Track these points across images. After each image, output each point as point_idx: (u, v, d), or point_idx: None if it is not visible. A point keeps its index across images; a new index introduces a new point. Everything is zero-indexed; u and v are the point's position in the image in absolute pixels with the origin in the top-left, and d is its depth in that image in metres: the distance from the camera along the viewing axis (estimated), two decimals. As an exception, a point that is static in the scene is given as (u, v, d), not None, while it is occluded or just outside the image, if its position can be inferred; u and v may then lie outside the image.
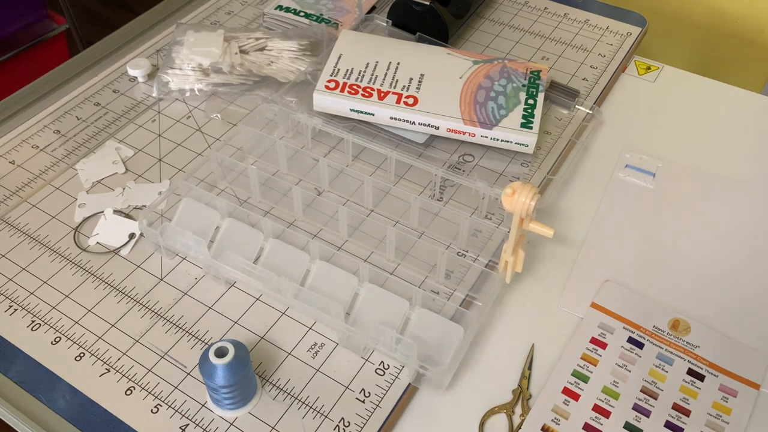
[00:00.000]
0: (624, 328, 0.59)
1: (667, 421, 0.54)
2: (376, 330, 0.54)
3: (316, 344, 0.58)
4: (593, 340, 0.58)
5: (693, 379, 0.56)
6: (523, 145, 0.70)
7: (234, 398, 0.52)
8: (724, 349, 0.58)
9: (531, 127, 0.70)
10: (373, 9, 0.89)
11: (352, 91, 0.72)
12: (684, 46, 1.12)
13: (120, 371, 0.56)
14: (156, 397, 0.54)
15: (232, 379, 0.49)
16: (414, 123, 0.71)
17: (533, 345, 0.58)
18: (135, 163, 0.72)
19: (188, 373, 0.56)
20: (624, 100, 0.80)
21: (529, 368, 0.57)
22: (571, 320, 0.60)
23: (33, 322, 0.59)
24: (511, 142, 0.70)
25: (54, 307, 0.60)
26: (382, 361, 0.57)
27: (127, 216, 0.67)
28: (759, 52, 1.06)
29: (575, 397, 0.55)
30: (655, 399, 0.55)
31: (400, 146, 0.72)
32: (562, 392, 0.55)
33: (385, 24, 0.85)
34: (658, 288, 0.62)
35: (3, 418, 0.54)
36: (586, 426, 0.53)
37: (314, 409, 0.54)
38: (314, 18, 0.85)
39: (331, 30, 0.84)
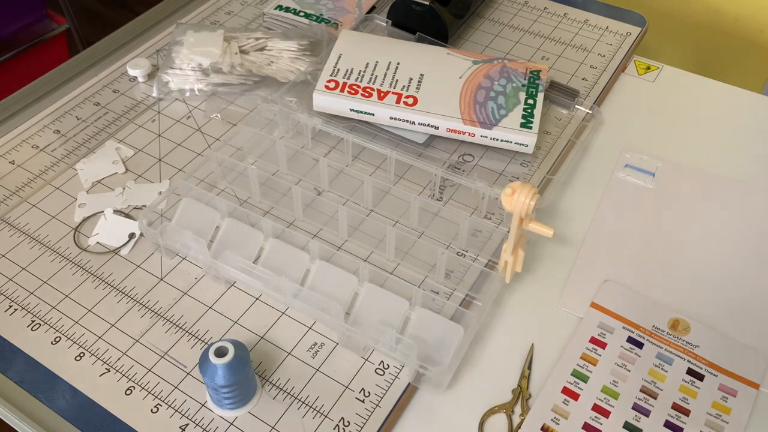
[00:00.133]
0: (623, 327, 0.59)
1: (667, 421, 0.54)
2: (376, 330, 0.54)
3: (316, 344, 0.58)
4: (593, 340, 0.58)
5: (692, 378, 0.56)
6: (522, 145, 0.70)
7: (234, 398, 0.52)
8: (723, 349, 0.58)
9: (531, 127, 0.70)
10: (373, 9, 0.89)
11: (352, 91, 0.72)
12: (684, 46, 1.12)
13: (120, 371, 0.56)
14: (156, 397, 0.54)
15: (232, 379, 0.50)
16: (414, 123, 0.71)
17: (533, 345, 0.58)
18: (135, 163, 0.72)
19: (188, 373, 0.56)
20: (624, 100, 0.80)
21: (529, 368, 0.57)
22: (570, 320, 0.60)
23: (33, 322, 0.59)
24: (511, 142, 0.70)
25: (54, 307, 0.60)
26: (382, 361, 0.57)
27: (127, 216, 0.67)
28: (759, 52, 1.06)
29: (575, 396, 0.55)
30: (655, 399, 0.55)
31: (399, 146, 0.72)
32: (562, 392, 0.55)
33: (385, 24, 0.85)
34: (657, 288, 0.62)
35: (3, 418, 0.54)
36: (586, 426, 0.53)
37: (314, 409, 0.54)
38: (314, 18, 0.86)
39: (331, 30, 0.84)
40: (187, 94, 0.78)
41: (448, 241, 0.65)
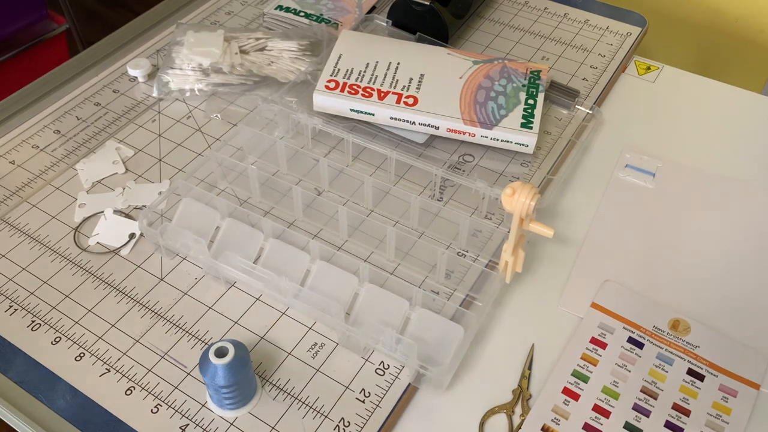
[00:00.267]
0: (624, 328, 0.59)
1: (667, 421, 0.54)
2: (376, 330, 0.54)
3: (316, 344, 0.58)
4: (593, 340, 0.58)
5: (693, 379, 0.56)
6: (523, 145, 0.70)
7: (234, 398, 0.52)
8: (724, 349, 0.58)
9: (531, 127, 0.70)
10: (373, 9, 0.89)
11: (352, 91, 0.72)
12: (684, 46, 1.12)
13: (120, 371, 0.56)
14: (156, 397, 0.54)
15: (232, 379, 0.49)
16: (414, 123, 0.71)
17: (533, 345, 0.58)
18: (135, 163, 0.72)
19: (188, 373, 0.56)
20: (624, 100, 0.80)
21: (529, 368, 0.57)
22: (571, 320, 0.60)
23: (33, 322, 0.59)
24: (511, 142, 0.70)
25: (54, 307, 0.60)
26: (382, 361, 0.57)
27: (127, 216, 0.67)
28: (759, 52, 1.06)
29: (575, 397, 0.55)
30: (655, 399, 0.55)
31: (400, 146, 0.72)
32: (562, 392, 0.55)
33: (385, 24, 0.85)
34: (658, 288, 0.62)
35: (3, 418, 0.54)
36: (586, 426, 0.53)
37: (314, 409, 0.54)
38: (314, 18, 0.85)
39: (331, 30, 0.84)
40: (187, 94, 0.78)
41: (449, 242, 0.65)
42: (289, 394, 0.55)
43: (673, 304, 0.61)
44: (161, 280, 0.62)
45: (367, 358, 0.57)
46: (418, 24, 0.83)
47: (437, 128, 0.71)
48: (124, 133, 0.75)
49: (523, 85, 0.73)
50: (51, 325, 0.59)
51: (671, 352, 0.58)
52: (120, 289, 0.61)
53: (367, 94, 0.71)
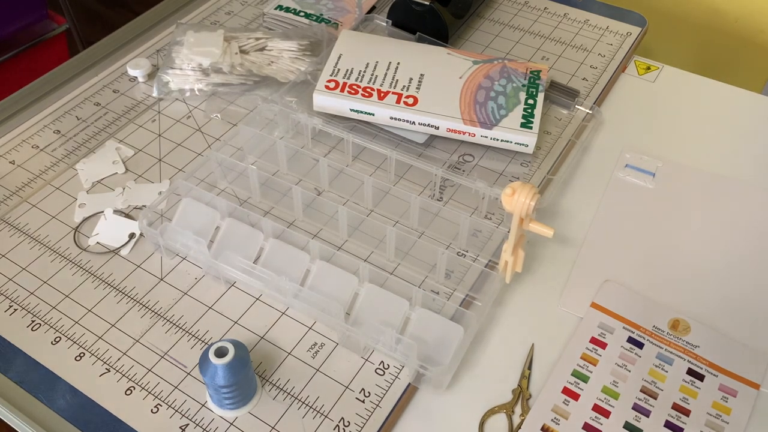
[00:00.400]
0: (624, 328, 0.59)
1: (667, 421, 0.54)
2: (376, 330, 0.54)
3: (316, 344, 0.58)
4: (593, 340, 0.58)
5: (693, 378, 0.56)
6: (523, 145, 0.70)
7: (234, 398, 0.52)
8: (723, 349, 0.58)
9: (531, 127, 0.70)
10: (373, 9, 0.89)
11: (352, 91, 0.72)
12: (684, 46, 1.12)
13: (120, 371, 0.56)
14: (156, 397, 0.54)
15: (232, 379, 0.49)
16: (414, 123, 0.71)
17: (533, 345, 0.58)
18: (135, 163, 0.72)
19: (188, 373, 0.56)
20: (624, 100, 0.80)
21: (529, 368, 0.57)
22: (571, 320, 0.60)
23: (33, 322, 0.59)
24: (511, 142, 0.70)
25: (54, 307, 0.60)
26: (382, 361, 0.57)
27: (127, 216, 0.67)
28: (759, 52, 1.06)
29: (575, 396, 0.55)
30: (655, 399, 0.55)
31: (400, 146, 0.72)
32: (562, 392, 0.55)
33: (385, 24, 0.85)
34: (658, 288, 0.62)
35: (3, 418, 0.54)
36: (586, 426, 0.53)
37: (314, 409, 0.54)
38: (314, 18, 0.85)
39: (331, 30, 0.84)
40: (187, 94, 0.78)
41: (449, 241, 0.65)
42: (289, 394, 0.55)
43: (673, 304, 0.61)
44: (161, 280, 0.62)
45: (367, 358, 0.57)
46: (418, 24, 0.83)
47: (437, 128, 0.71)
48: (124, 133, 0.75)
49: (523, 85, 0.73)
50: (51, 325, 0.59)
51: (671, 352, 0.58)
52: (120, 289, 0.61)
53: (367, 94, 0.72)
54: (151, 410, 0.53)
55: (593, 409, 0.54)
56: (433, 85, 0.73)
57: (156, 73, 0.81)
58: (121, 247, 0.64)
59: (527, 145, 0.70)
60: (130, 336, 0.58)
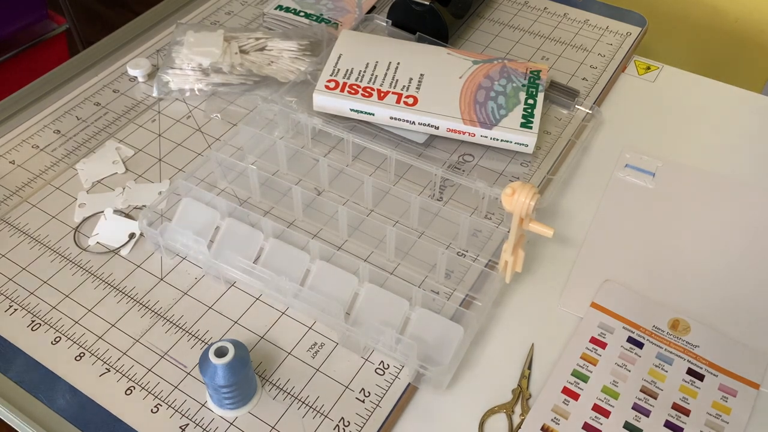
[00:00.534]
0: (624, 327, 0.59)
1: (667, 421, 0.54)
2: (376, 330, 0.54)
3: (316, 344, 0.58)
4: (593, 340, 0.58)
5: (693, 378, 0.56)
6: (522, 144, 0.70)
7: (234, 398, 0.52)
8: (723, 349, 0.58)
9: (531, 127, 0.70)
10: (373, 9, 0.89)
11: (352, 91, 0.72)
12: (684, 46, 1.12)
13: (120, 371, 0.56)
14: (156, 397, 0.54)
15: (232, 379, 0.49)
16: (414, 123, 0.71)
17: (533, 345, 0.58)
18: (135, 163, 0.72)
19: (188, 373, 0.56)
20: (624, 100, 0.80)
21: (529, 368, 0.57)
22: (571, 320, 0.60)
23: (33, 322, 0.59)
24: (511, 142, 0.70)
25: (54, 307, 0.60)
26: (382, 361, 0.57)
27: (127, 216, 0.67)
28: (759, 52, 1.06)
29: (575, 396, 0.55)
30: (655, 399, 0.55)
31: (400, 146, 0.72)
32: (562, 392, 0.55)
33: (385, 24, 0.85)
34: (657, 288, 0.62)
35: (3, 418, 0.54)
36: (586, 426, 0.53)
37: (314, 409, 0.54)
38: (314, 18, 0.86)
39: (331, 30, 0.84)
40: (187, 94, 0.78)
41: (448, 241, 0.65)
42: (289, 393, 0.55)
43: (673, 304, 0.61)
44: (161, 280, 0.62)
45: (366, 358, 0.57)
46: (418, 24, 0.83)
47: (437, 128, 0.71)
48: (124, 133, 0.75)
49: (523, 85, 0.74)
50: (51, 325, 0.59)
51: (671, 352, 0.58)
52: (120, 289, 0.61)
53: (367, 94, 0.72)
54: (151, 410, 0.53)
55: (593, 409, 0.54)
56: (433, 85, 0.73)
57: (156, 73, 0.81)
58: (121, 247, 0.64)
59: (527, 145, 0.70)
60: (130, 336, 0.58)
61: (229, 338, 0.55)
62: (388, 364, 0.56)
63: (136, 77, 0.81)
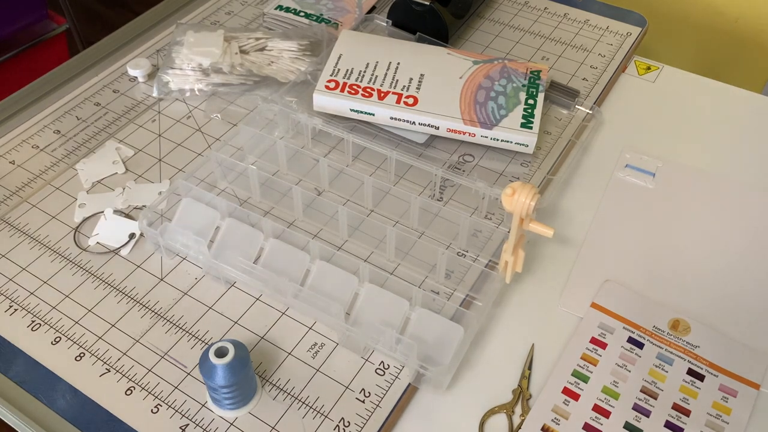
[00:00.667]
0: (624, 328, 0.59)
1: (667, 421, 0.54)
2: (376, 330, 0.54)
3: (316, 344, 0.58)
4: (593, 340, 0.58)
5: (693, 379, 0.56)
6: (523, 145, 0.70)
7: (234, 398, 0.52)
8: (724, 349, 0.58)
9: (531, 127, 0.70)
10: (373, 9, 0.89)
11: (352, 91, 0.72)
12: (684, 46, 1.12)
13: (120, 371, 0.56)
14: (156, 397, 0.54)
15: (232, 379, 0.49)
16: (414, 123, 0.71)
17: (533, 345, 0.58)
18: (135, 163, 0.72)
19: (188, 373, 0.56)
20: (624, 100, 0.80)
21: (529, 368, 0.57)
22: (571, 320, 0.60)
23: (33, 322, 0.59)
24: (511, 142, 0.70)
25: (54, 307, 0.60)
26: (382, 361, 0.57)
27: (127, 216, 0.67)
28: (759, 52, 1.06)
29: (575, 397, 0.55)
30: (655, 399, 0.55)
31: (400, 146, 0.72)
32: (562, 392, 0.55)
33: (385, 24, 0.85)
34: (658, 288, 0.62)
35: (3, 418, 0.54)
36: (586, 426, 0.53)
37: (314, 409, 0.54)
38: (314, 18, 0.85)
39: (331, 30, 0.84)
40: (187, 94, 0.78)
41: (449, 241, 0.65)
42: (289, 394, 0.55)
43: (673, 304, 0.61)
44: (161, 280, 0.62)
45: (367, 358, 0.57)
46: (418, 24, 0.83)
47: (437, 128, 0.71)
48: (124, 133, 0.75)
49: (523, 85, 0.73)
50: (51, 325, 0.59)
51: (671, 352, 0.58)
52: (120, 289, 0.61)
53: (367, 94, 0.72)
54: (151, 410, 0.53)
55: (593, 409, 0.54)
56: (433, 85, 0.73)
57: (156, 73, 0.81)
58: (121, 247, 0.64)
59: (527, 145, 0.70)
60: (130, 336, 0.58)
61: (229, 338, 0.55)
62: (388, 365, 0.56)
63: (136, 77, 0.81)
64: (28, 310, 0.60)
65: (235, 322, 0.59)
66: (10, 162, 0.72)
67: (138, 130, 0.75)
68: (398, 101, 0.71)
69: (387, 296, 0.58)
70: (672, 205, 0.69)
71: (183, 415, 0.53)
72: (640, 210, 0.69)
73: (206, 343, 0.57)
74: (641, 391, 0.55)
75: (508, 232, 0.58)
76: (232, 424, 0.53)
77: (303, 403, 0.54)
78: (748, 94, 0.81)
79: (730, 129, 0.77)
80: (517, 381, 0.56)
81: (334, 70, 0.74)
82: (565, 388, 0.56)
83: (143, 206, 0.68)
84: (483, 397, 0.55)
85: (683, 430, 0.53)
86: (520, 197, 0.53)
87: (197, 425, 0.53)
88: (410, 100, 0.71)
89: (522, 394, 0.55)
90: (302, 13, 0.86)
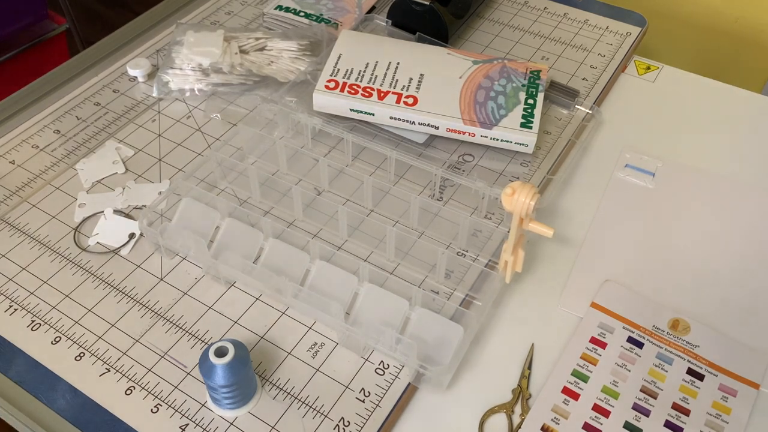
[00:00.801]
0: (624, 327, 0.59)
1: (667, 421, 0.54)
2: (376, 330, 0.54)
3: (316, 344, 0.58)
4: (593, 340, 0.58)
5: (693, 378, 0.56)
6: (522, 144, 0.70)
7: (234, 398, 0.52)
8: (723, 349, 0.58)
9: (531, 127, 0.70)
10: (373, 9, 0.89)
11: (352, 91, 0.72)
12: (684, 46, 1.12)
13: (120, 371, 0.56)
14: (156, 397, 0.54)
15: (232, 379, 0.50)
16: (414, 123, 0.71)
17: (533, 345, 0.58)
18: (135, 163, 0.72)
19: (188, 373, 0.56)
20: (624, 100, 0.80)
21: (529, 368, 0.57)
22: (571, 320, 0.60)
23: (33, 322, 0.59)
24: (511, 142, 0.70)
25: (54, 307, 0.60)
26: (382, 361, 0.57)
27: (127, 216, 0.67)
28: (759, 52, 1.06)
29: (575, 396, 0.55)
30: (655, 398, 0.55)
31: (400, 146, 0.72)
32: (562, 392, 0.55)
33: (385, 24, 0.85)
34: (658, 288, 0.62)
35: (3, 418, 0.54)
36: (586, 426, 0.53)
37: (314, 409, 0.54)
38: (314, 18, 0.86)
39: (331, 30, 0.84)
40: (187, 94, 0.78)
41: (448, 241, 0.65)
42: (289, 393, 0.55)
43: (673, 304, 0.61)
44: (161, 280, 0.62)
45: (366, 358, 0.57)
46: (418, 24, 0.83)
47: (437, 128, 0.71)
48: (124, 133, 0.75)
49: (523, 85, 0.74)
50: (51, 325, 0.59)
51: (671, 352, 0.58)
52: (120, 289, 0.61)
53: (366, 94, 0.72)
54: (151, 410, 0.53)
55: (593, 408, 0.54)
56: (433, 85, 0.73)
57: (156, 73, 0.81)
58: (121, 247, 0.64)
59: (527, 145, 0.70)
60: (130, 336, 0.58)
61: (229, 338, 0.55)
62: (388, 364, 0.56)
63: (136, 77, 0.81)
64: (28, 309, 0.60)
65: (235, 322, 0.59)
66: (10, 162, 0.72)
67: (138, 130, 0.75)
68: (398, 101, 0.71)
69: (387, 296, 0.58)
70: (672, 205, 0.69)
71: (183, 415, 0.53)
72: (639, 210, 0.69)
73: (206, 343, 0.57)
74: (641, 390, 0.55)
75: (508, 231, 0.58)
76: (232, 423, 0.53)
77: (303, 402, 0.54)
78: (748, 94, 0.81)
79: (730, 129, 0.77)
80: (517, 381, 0.56)
81: (333, 69, 0.74)
82: (564, 387, 0.56)
83: (143, 206, 0.68)
84: (483, 397, 0.55)
85: (683, 429, 0.53)
86: (519, 197, 0.53)
87: (197, 425, 0.53)
88: (410, 100, 0.71)
89: (522, 394, 0.55)
90: (302, 13, 0.86)
